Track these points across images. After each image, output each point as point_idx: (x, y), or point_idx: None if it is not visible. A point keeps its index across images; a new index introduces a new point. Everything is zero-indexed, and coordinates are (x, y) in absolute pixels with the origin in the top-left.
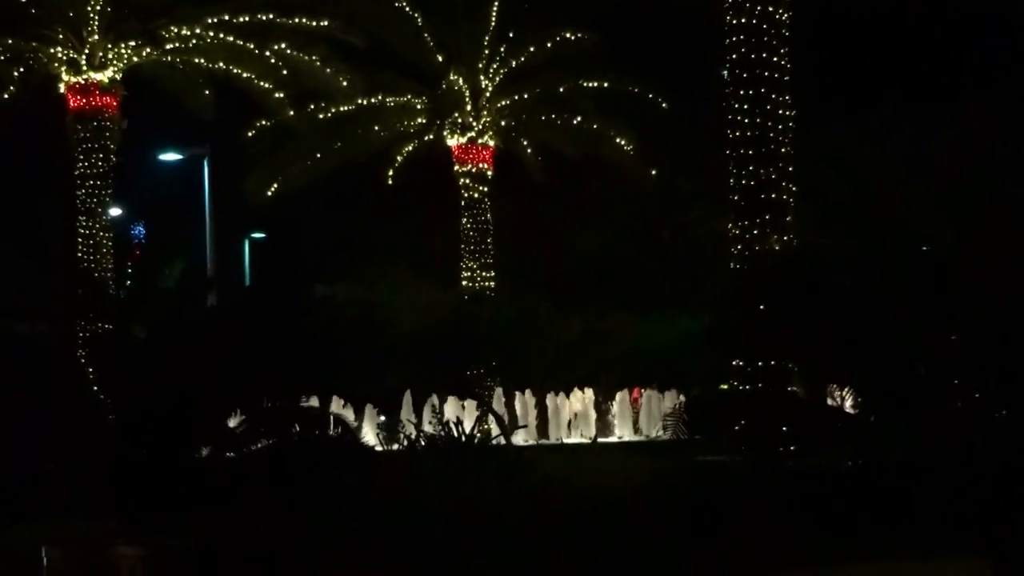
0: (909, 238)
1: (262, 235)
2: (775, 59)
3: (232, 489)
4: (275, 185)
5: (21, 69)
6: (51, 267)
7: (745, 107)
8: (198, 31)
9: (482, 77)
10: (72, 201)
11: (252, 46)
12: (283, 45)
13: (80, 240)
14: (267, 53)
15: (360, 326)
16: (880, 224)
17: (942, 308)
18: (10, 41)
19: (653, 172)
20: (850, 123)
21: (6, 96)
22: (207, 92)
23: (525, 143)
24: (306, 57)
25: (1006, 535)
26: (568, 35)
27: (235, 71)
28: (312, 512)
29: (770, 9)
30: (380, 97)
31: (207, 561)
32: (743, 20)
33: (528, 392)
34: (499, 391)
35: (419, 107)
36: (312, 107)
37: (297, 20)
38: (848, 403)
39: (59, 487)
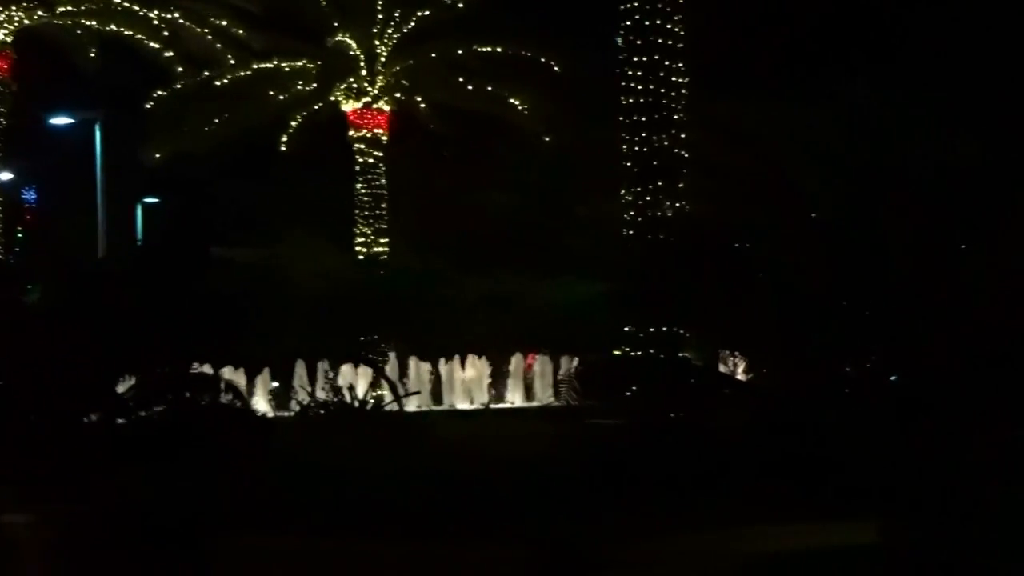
0: (808, 207)
1: (155, 199)
2: (669, 26)
3: (124, 455)
4: (173, 150)
5: None
6: None
7: (639, 74)
8: None
9: (376, 42)
10: None
11: (144, 9)
12: (177, 15)
13: None
14: (159, 15)
15: (255, 290)
16: (780, 193)
17: (834, 275)
18: None
19: (547, 139)
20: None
21: None
22: (96, 53)
23: (421, 107)
24: (198, 23)
25: (894, 498)
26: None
27: (127, 34)
28: (204, 477)
29: None
30: (276, 62)
31: (100, 526)
32: None
33: (422, 358)
34: (393, 357)
35: (315, 72)
36: (208, 74)
37: None
38: (740, 368)
39: None
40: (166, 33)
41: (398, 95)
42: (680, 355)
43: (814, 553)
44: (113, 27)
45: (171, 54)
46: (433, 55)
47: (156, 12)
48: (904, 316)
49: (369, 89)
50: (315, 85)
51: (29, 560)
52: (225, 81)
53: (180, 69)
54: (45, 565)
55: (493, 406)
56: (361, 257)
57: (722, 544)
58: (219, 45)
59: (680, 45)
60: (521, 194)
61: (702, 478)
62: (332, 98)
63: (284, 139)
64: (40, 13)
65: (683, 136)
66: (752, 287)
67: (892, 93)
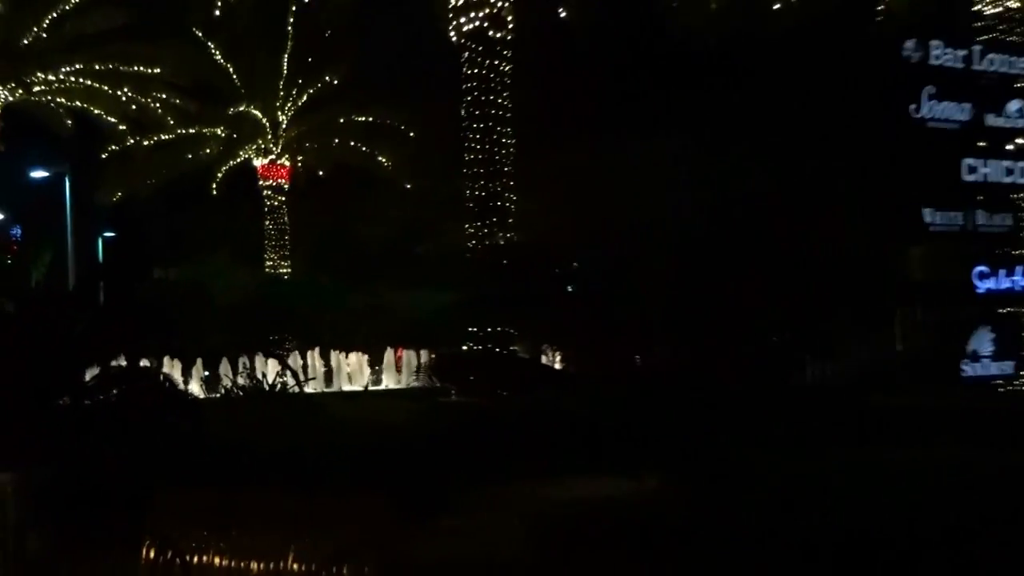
0: (610, 235)
1: (112, 234)
2: (500, 100)
3: (87, 430)
4: (123, 193)
5: None
6: None
7: (477, 136)
8: (60, 76)
9: (279, 112)
10: None
11: (104, 87)
12: (126, 88)
13: None
14: (114, 94)
15: (188, 301)
16: (587, 226)
17: (628, 289)
18: None
19: (408, 185)
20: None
21: None
22: (68, 123)
23: (314, 161)
24: (142, 95)
25: (676, 457)
26: (330, 79)
27: (88, 107)
28: (148, 447)
29: (495, 63)
30: (197, 128)
31: (63, 486)
32: (475, 71)
33: (317, 351)
34: (295, 351)
35: (233, 135)
36: (150, 138)
37: (137, 68)
38: (558, 359)
39: None
40: (120, 107)
41: (296, 152)
42: (511, 349)
43: (607, 498)
44: (78, 103)
45: (124, 128)
46: (322, 122)
47: (112, 89)
48: (681, 320)
49: (273, 148)
50: (231, 145)
51: (11, 510)
52: (163, 140)
53: (132, 139)
54: (25, 515)
55: (371, 388)
56: (269, 276)
57: (534, 492)
58: (159, 111)
59: (508, 115)
60: (389, 227)
61: (524, 442)
62: (245, 155)
63: (214, 185)
64: (20, 92)
65: (511, 183)
66: (564, 298)
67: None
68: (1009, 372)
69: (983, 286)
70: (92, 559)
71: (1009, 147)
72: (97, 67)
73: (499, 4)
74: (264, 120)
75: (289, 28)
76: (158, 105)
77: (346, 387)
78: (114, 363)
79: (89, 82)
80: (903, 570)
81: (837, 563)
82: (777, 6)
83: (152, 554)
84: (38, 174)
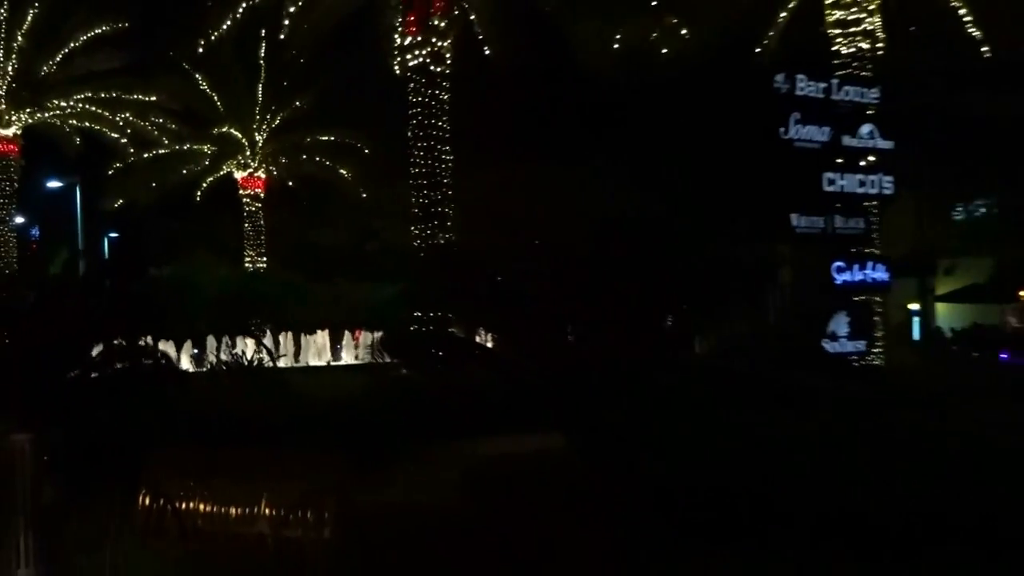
0: (533, 236)
1: (116, 235)
2: (440, 123)
3: (93, 397)
4: (124, 201)
5: None
6: None
7: (421, 154)
8: (72, 103)
9: (256, 132)
10: None
11: (108, 113)
12: (127, 113)
13: None
14: (116, 118)
15: (180, 292)
16: (515, 227)
17: (546, 281)
18: None
19: (364, 195)
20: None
21: None
22: (78, 142)
23: (286, 173)
24: (141, 119)
25: (577, 418)
26: (299, 104)
27: (95, 129)
28: (144, 412)
29: (436, 92)
30: (187, 146)
31: (72, 445)
32: (419, 99)
33: (288, 333)
34: (269, 332)
35: (217, 152)
36: (147, 154)
37: (136, 96)
38: (489, 339)
39: None
40: (120, 127)
41: (270, 166)
42: (449, 331)
43: (526, 454)
44: (87, 124)
45: (124, 140)
46: (292, 141)
47: (113, 114)
48: (588, 309)
49: (251, 163)
50: (216, 160)
51: (27, 466)
52: (158, 156)
53: (132, 153)
54: (40, 469)
55: (333, 363)
56: (247, 271)
57: (468, 449)
58: (155, 132)
59: (447, 136)
60: (348, 229)
61: (460, 408)
62: (227, 169)
63: (199, 194)
64: (38, 116)
65: (450, 193)
66: (494, 288)
67: (594, 166)
68: (862, 349)
69: (840, 278)
70: (97, 506)
71: (862, 163)
72: (103, 95)
73: (439, 44)
74: (243, 139)
75: (262, 62)
76: (154, 127)
77: (312, 363)
78: (116, 342)
79: (96, 108)
80: (777, 511)
81: (719, 507)
82: (665, 51)
83: (147, 501)
84: (53, 184)
